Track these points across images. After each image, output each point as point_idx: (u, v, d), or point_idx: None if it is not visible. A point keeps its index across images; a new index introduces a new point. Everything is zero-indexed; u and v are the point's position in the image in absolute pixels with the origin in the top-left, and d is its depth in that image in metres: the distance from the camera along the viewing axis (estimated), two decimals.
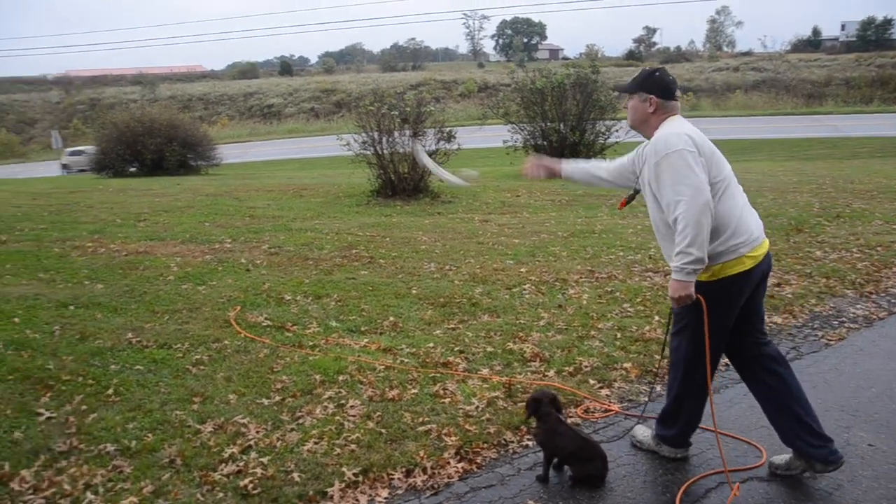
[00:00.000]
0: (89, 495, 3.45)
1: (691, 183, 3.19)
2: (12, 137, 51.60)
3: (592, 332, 5.62)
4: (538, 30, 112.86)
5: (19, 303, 6.49)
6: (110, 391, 4.59)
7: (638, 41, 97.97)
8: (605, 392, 4.62)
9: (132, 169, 23.73)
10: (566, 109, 16.21)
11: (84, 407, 4.39)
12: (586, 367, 4.96)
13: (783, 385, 3.60)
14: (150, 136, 22.88)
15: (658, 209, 3.45)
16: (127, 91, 66.28)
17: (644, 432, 3.94)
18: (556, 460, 3.61)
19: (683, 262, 3.22)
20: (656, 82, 3.51)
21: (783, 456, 3.68)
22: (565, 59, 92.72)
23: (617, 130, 16.03)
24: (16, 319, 6.01)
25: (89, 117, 55.75)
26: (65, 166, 34.75)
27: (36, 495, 3.46)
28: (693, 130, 3.38)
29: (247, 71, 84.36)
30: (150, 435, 4.03)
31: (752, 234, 3.40)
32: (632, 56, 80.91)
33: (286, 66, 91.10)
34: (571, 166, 4.04)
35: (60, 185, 18.44)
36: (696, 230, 3.17)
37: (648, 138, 3.54)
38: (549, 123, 16.31)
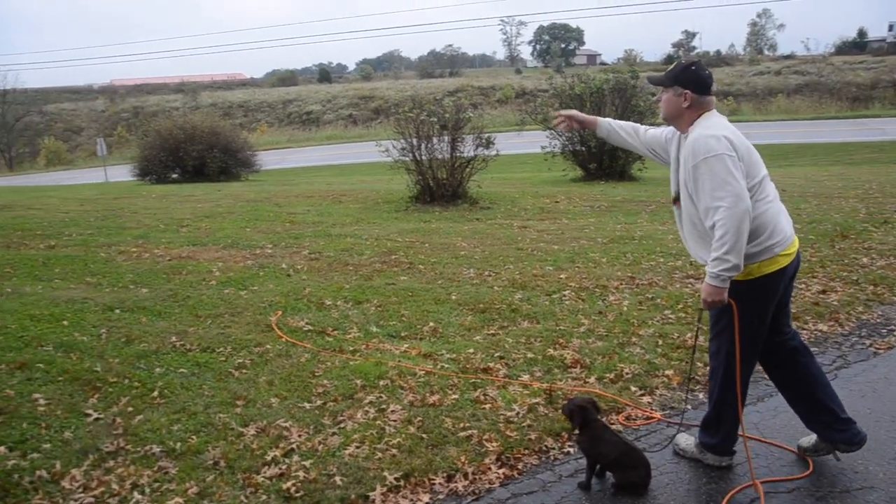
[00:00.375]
0: (136, 495, 3.52)
1: (731, 189, 3.16)
2: (60, 145, 52.73)
3: (633, 339, 5.58)
4: (576, 35, 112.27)
5: (68, 306, 6.63)
6: (155, 393, 4.68)
7: (677, 45, 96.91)
8: (646, 399, 4.59)
9: (174, 175, 24.08)
10: (605, 115, 16.12)
11: (130, 408, 4.48)
12: (627, 373, 4.93)
13: (808, 374, 3.67)
14: (191, 142, 23.20)
15: (692, 208, 3.43)
16: (169, 99, 67.42)
17: (687, 440, 3.90)
18: (598, 467, 3.59)
19: (720, 269, 3.20)
20: (691, 76, 3.46)
21: (810, 438, 3.75)
22: (603, 64, 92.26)
23: None
24: (65, 322, 6.14)
25: (133, 125, 56.73)
26: None
27: (86, 494, 3.54)
28: (730, 130, 3.35)
29: (286, 78, 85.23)
30: (194, 437, 4.10)
31: (786, 233, 3.41)
32: (671, 60, 79.71)
33: (325, 74, 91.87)
34: (607, 122, 4.02)
35: (106, 192, 18.80)
36: (735, 237, 3.15)
37: (682, 132, 3.51)
38: (587, 129, 16.22)
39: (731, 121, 3.54)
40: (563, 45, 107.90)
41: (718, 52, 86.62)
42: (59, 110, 66.50)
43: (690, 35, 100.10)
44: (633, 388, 4.71)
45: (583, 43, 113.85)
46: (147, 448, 3.97)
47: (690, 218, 3.48)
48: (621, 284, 7.11)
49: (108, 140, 41.55)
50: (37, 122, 61.99)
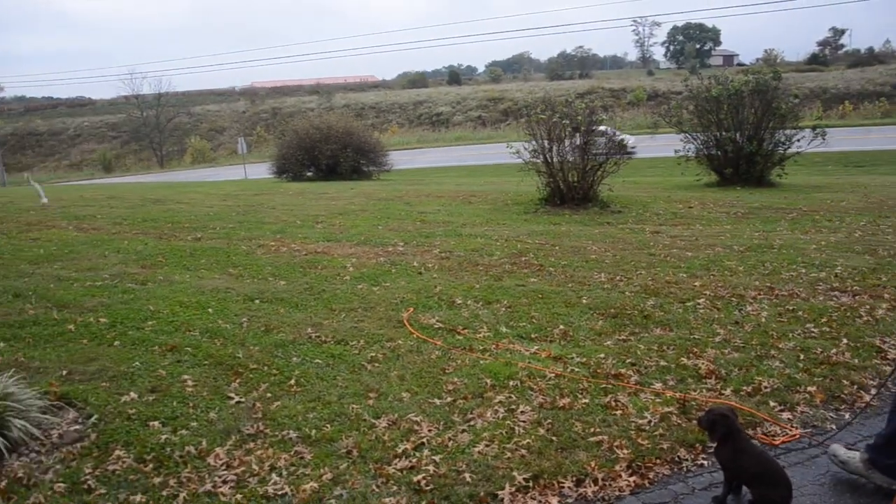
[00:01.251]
0: (274, 476, 3.68)
1: None
2: (204, 144, 55.91)
3: (772, 352, 5.32)
4: (711, 35, 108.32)
5: (213, 294, 7.02)
6: (292, 381, 4.87)
7: (823, 44, 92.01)
8: (786, 416, 4.37)
9: (309, 173, 24.97)
10: (743, 118, 15.49)
11: (269, 394, 4.68)
12: (766, 387, 4.71)
13: None
14: (326, 142, 23.98)
15: None
16: (305, 100, 69.99)
17: (848, 453, 3.65)
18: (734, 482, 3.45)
19: None
20: None
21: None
22: (740, 65, 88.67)
23: (798, 140, 15.15)
24: (210, 310, 6.50)
25: (271, 125, 59.45)
26: None
27: (228, 471, 3.73)
28: None
29: (416, 80, 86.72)
30: (328, 425, 4.23)
31: None
32: (815, 60, 76.11)
33: (454, 76, 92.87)
34: None
35: (246, 188, 19.73)
36: None
37: None
38: (724, 133, 15.64)
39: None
40: (697, 46, 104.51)
41: (871, 49, 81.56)
42: (205, 111, 70.34)
43: (838, 32, 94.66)
44: (771, 403, 4.49)
45: (719, 43, 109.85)
46: (284, 433, 4.14)
47: None
48: (759, 294, 6.81)
49: (247, 139, 43.62)
50: (185, 123, 65.98)
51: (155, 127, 62.47)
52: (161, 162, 59.44)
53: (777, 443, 4.04)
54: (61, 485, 3.60)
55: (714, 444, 3.49)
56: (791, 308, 6.36)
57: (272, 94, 78.70)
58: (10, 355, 5.32)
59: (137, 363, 5.18)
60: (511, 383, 4.78)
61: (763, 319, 6.07)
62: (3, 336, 5.78)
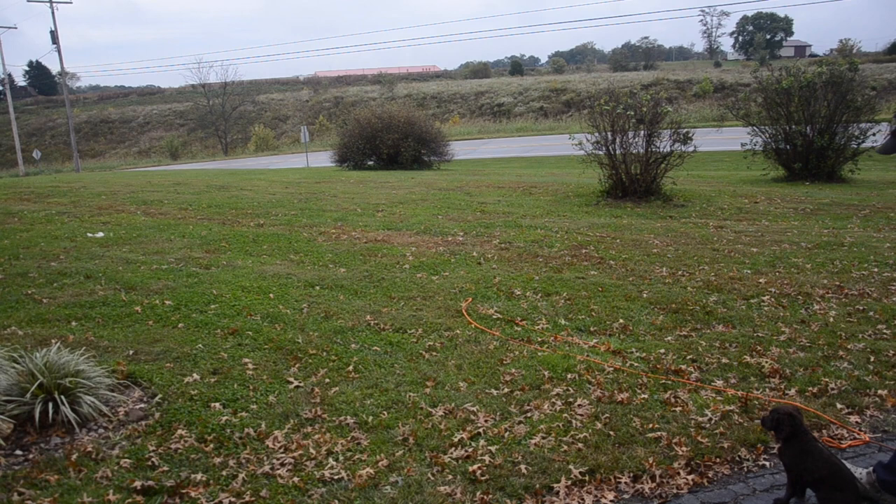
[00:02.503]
0: (331, 461, 3.72)
1: None
2: (268, 132, 56.81)
3: (840, 353, 5.16)
4: (783, 25, 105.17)
5: (274, 280, 7.13)
6: (350, 368, 4.92)
7: None
8: (854, 419, 4.23)
9: (370, 162, 25.17)
10: (815, 111, 14.98)
11: (327, 380, 4.74)
12: (833, 389, 4.56)
13: None
14: (387, 131, 24.12)
15: None
16: (367, 90, 70.55)
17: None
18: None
19: None
20: None
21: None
22: (813, 56, 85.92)
23: (874, 134, 14.59)
24: (271, 295, 6.61)
25: (333, 114, 60.10)
26: None
27: (286, 454, 3.78)
28: None
29: (478, 70, 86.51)
30: (385, 412, 4.26)
31: None
32: (895, 50, 72.94)
33: (517, 66, 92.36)
34: None
35: (308, 176, 19.96)
36: None
37: None
38: (794, 126, 15.17)
39: None
40: (768, 36, 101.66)
41: None
42: (269, 100, 71.48)
43: None
44: (838, 405, 4.35)
45: (791, 33, 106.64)
46: (342, 419, 4.18)
47: None
48: (827, 293, 6.61)
49: (310, 128, 44.16)
50: (249, 111, 67.19)
51: (220, 115, 63.81)
52: (225, 149, 60.64)
53: (844, 446, 3.92)
54: (127, 460, 3.71)
55: (778, 445, 3.39)
56: (861, 308, 6.16)
57: (335, 84, 79.55)
58: (81, 334, 5.50)
59: (200, 345, 5.31)
60: (569, 376, 4.74)
61: (831, 319, 5.89)
62: (74, 315, 5.99)
